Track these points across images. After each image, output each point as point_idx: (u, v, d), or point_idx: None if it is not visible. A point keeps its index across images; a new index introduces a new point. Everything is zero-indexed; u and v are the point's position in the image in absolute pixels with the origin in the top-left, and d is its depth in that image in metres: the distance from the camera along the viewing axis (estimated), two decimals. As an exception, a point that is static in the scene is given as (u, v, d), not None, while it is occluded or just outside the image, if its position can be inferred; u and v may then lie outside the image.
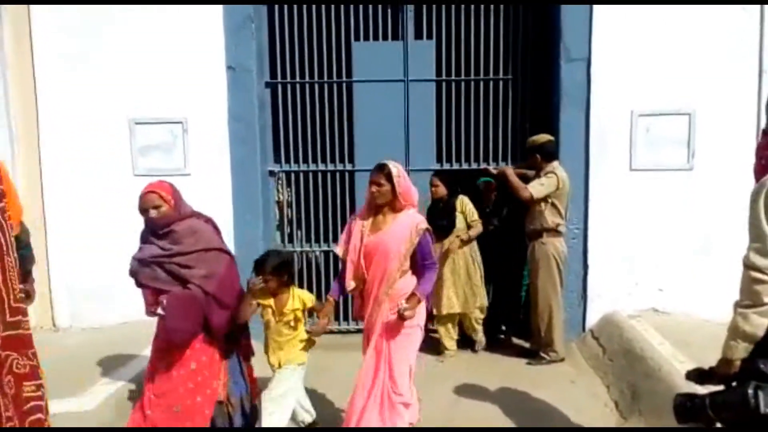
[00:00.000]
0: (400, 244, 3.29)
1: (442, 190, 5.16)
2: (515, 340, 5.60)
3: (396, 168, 3.32)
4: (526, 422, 3.98)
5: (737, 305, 2.30)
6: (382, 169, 3.34)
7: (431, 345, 5.28)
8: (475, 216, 5.17)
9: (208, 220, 3.31)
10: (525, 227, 5.05)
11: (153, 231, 3.13)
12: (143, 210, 3.10)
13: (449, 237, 5.13)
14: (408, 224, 3.32)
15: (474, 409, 4.19)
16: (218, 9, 5.34)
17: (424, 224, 3.34)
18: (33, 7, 5.38)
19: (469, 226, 5.17)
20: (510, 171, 4.97)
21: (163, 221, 3.07)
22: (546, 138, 4.96)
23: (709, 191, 5.20)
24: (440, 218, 5.06)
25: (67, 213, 5.47)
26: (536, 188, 4.78)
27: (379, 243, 3.34)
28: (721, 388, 2.42)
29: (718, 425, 2.36)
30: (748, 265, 2.26)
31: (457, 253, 5.16)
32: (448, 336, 5.32)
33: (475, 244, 5.27)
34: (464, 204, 5.18)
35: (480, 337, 5.40)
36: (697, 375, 2.57)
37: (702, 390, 2.49)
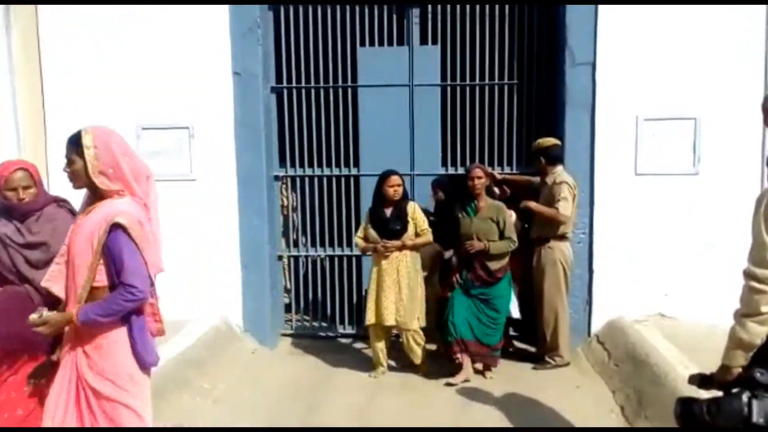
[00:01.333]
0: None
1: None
2: (520, 345, 5.58)
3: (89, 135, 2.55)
4: (531, 427, 3.97)
5: (736, 314, 2.33)
6: None
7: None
8: (425, 225, 4.84)
9: (65, 204, 2.93)
10: (531, 233, 5.05)
11: (10, 213, 2.78)
12: (10, 189, 2.74)
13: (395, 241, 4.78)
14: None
15: (479, 414, 4.19)
16: (224, 15, 5.37)
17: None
18: (41, 14, 5.43)
19: (417, 234, 4.83)
20: (533, 204, 4.92)
21: (32, 206, 2.79)
22: (552, 142, 4.97)
23: (715, 196, 5.18)
24: (393, 222, 4.80)
25: (74, 218, 5.49)
26: (564, 207, 4.77)
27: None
28: (720, 394, 2.43)
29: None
30: (748, 274, 2.29)
31: (401, 263, 4.77)
32: (381, 351, 4.95)
33: (418, 258, 4.91)
34: (415, 210, 4.86)
35: (419, 357, 4.90)
36: (700, 380, 2.60)
37: (705, 395, 2.51)
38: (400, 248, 4.77)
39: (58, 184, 5.48)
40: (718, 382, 2.45)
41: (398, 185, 4.80)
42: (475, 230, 4.72)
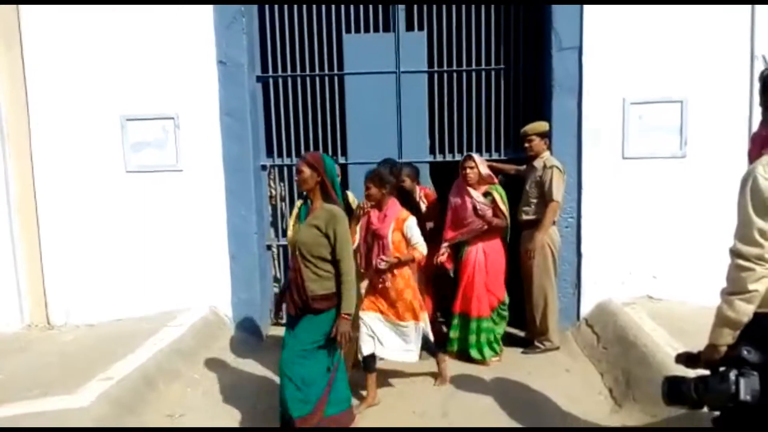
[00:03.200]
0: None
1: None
2: (510, 329, 5.60)
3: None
4: (521, 411, 3.99)
5: (723, 292, 2.35)
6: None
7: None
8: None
9: None
10: (518, 217, 5.05)
11: None
12: None
13: None
14: None
15: (469, 400, 4.21)
16: (209, 4, 5.32)
17: None
18: (23, 7, 5.35)
19: None
20: (546, 226, 4.87)
21: None
22: (546, 125, 5.04)
23: (702, 178, 5.20)
24: None
25: (59, 210, 5.46)
26: (557, 194, 4.81)
27: None
28: (707, 372, 2.46)
29: (705, 410, 2.42)
30: (734, 252, 2.30)
31: None
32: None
33: None
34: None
35: None
36: (686, 359, 2.62)
37: (692, 374, 2.53)
38: None
39: (43, 173, 5.47)
40: (706, 360, 2.47)
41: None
42: (299, 241, 3.47)
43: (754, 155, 2.45)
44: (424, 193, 5.27)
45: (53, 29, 5.37)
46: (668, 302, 5.20)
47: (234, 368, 4.82)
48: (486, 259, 4.94)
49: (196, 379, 4.48)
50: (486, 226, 4.86)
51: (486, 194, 4.90)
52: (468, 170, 4.87)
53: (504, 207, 4.91)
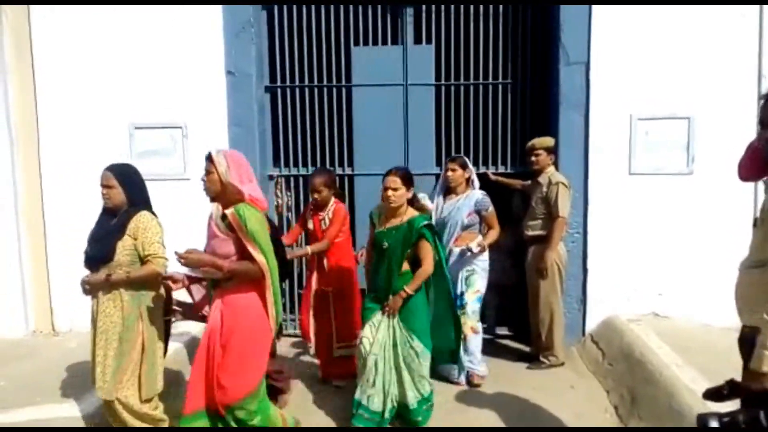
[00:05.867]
0: None
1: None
2: (515, 344, 5.58)
3: None
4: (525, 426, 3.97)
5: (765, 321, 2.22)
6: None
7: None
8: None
9: None
10: (524, 232, 5.04)
11: None
12: None
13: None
14: None
15: (473, 414, 4.19)
16: (218, 14, 5.36)
17: None
18: (33, 12, 5.40)
19: None
20: (554, 247, 4.81)
21: None
22: (552, 140, 5.02)
23: (709, 196, 5.19)
24: None
25: (66, 217, 5.47)
26: (563, 210, 4.76)
27: None
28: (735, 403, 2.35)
29: None
30: None
31: None
32: None
33: None
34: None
35: None
36: (714, 394, 2.50)
37: (720, 408, 2.41)
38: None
39: (50, 180, 5.49)
40: (746, 390, 2.36)
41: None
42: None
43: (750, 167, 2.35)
44: (334, 208, 4.59)
45: (63, 37, 5.41)
46: (674, 319, 5.18)
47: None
48: (222, 325, 3.13)
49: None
50: (219, 274, 3.07)
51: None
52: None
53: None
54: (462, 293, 4.66)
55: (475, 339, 4.71)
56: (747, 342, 2.41)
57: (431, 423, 4.01)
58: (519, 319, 5.62)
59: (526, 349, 5.37)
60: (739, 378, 2.49)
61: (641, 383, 4.11)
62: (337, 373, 4.71)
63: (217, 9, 5.36)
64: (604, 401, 4.36)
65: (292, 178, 5.89)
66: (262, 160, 5.60)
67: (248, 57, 5.42)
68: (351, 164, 5.80)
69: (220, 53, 5.40)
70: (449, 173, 4.75)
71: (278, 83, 5.75)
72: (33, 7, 5.40)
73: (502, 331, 5.87)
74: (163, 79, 5.40)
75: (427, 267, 3.84)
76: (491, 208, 4.69)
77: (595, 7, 5.17)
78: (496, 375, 4.87)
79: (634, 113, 5.23)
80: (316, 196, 4.49)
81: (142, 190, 3.50)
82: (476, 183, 4.80)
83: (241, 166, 3.16)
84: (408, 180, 3.86)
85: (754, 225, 2.48)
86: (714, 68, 5.16)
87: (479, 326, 4.77)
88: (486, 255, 4.70)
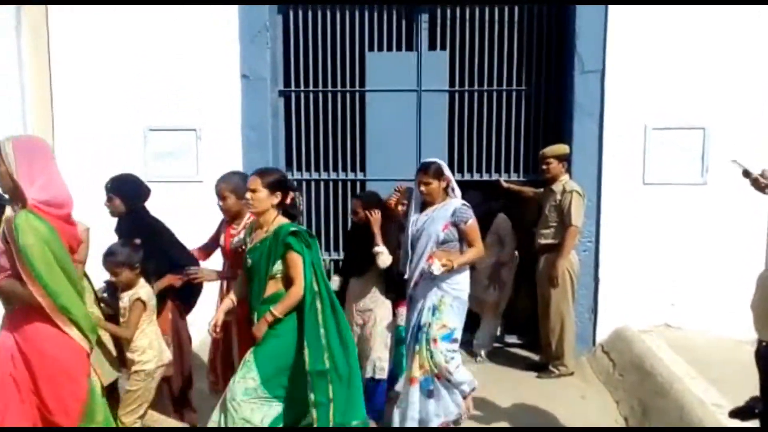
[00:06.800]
0: None
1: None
2: (525, 353, 5.55)
3: None
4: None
5: None
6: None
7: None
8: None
9: None
10: (536, 241, 5.02)
11: None
12: None
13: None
14: None
15: (482, 422, 4.16)
16: (234, 18, 5.39)
17: None
18: (51, 16, 5.47)
19: None
20: (560, 265, 4.78)
21: None
22: (566, 148, 4.98)
23: (723, 206, 5.14)
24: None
25: (80, 218, 5.49)
26: (576, 218, 4.73)
27: None
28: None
29: None
30: None
31: None
32: None
33: None
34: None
35: None
36: (739, 413, 2.49)
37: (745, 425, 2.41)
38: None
39: (66, 181, 5.52)
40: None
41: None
42: None
43: None
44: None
45: (80, 41, 5.46)
46: (686, 331, 5.14)
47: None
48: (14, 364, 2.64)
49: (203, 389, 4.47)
50: None
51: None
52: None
53: None
54: (425, 325, 3.74)
55: (439, 389, 3.73)
56: (763, 357, 2.39)
57: None
58: (529, 327, 5.60)
59: (536, 358, 5.34)
60: (752, 391, 2.47)
61: (652, 395, 4.07)
62: None
63: (233, 13, 5.39)
64: (615, 412, 4.33)
65: (304, 183, 5.90)
66: (275, 164, 5.60)
67: (263, 61, 5.45)
68: (363, 169, 5.80)
69: (235, 57, 5.42)
70: (422, 188, 3.82)
71: (292, 87, 5.77)
72: (51, 9, 5.46)
73: (512, 339, 5.85)
74: (178, 82, 5.44)
75: (296, 288, 3.04)
76: (471, 221, 3.78)
77: (611, 15, 5.16)
78: (505, 384, 4.84)
79: (649, 122, 5.20)
80: (220, 203, 3.76)
81: None
82: (457, 191, 3.91)
83: (33, 159, 2.59)
84: (272, 185, 3.14)
85: None
86: (729, 78, 5.13)
87: (449, 371, 3.69)
88: (461, 280, 3.81)
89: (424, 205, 3.90)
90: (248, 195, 3.13)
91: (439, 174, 3.82)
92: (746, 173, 2.81)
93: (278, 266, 3.09)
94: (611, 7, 5.15)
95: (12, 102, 5.37)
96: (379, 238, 3.96)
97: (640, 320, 5.24)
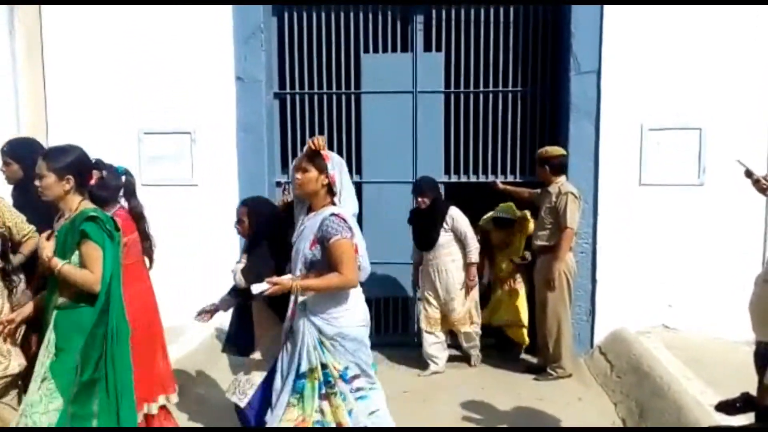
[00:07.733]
0: None
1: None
2: (522, 356, 5.53)
3: None
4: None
5: None
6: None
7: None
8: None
9: None
10: (533, 242, 5.00)
11: None
12: None
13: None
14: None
15: (480, 425, 4.14)
16: (228, 19, 5.37)
17: None
18: (45, 17, 5.45)
19: None
20: (556, 267, 4.75)
21: None
22: (559, 152, 4.90)
23: (720, 207, 5.13)
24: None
25: None
26: (571, 220, 4.70)
27: None
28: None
29: None
30: None
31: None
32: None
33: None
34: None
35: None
36: (727, 406, 2.47)
37: (732, 421, 2.40)
38: None
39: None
40: (759, 404, 2.33)
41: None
42: None
43: None
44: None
45: (73, 44, 5.44)
46: (684, 332, 5.12)
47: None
48: None
49: (201, 395, 4.45)
50: None
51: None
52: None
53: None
54: (318, 368, 2.84)
55: None
56: (762, 357, 2.37)
57: None
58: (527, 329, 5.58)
59: (534, 360, 5.31)
60: (752, 392, 2.46)
61: (650, 396, 4.05)
62: None
63: (227, 15, 5.37)
64: (612, 414, 4.30)
65: (300, 185, 5.87)
66: (270, 167, 5.59)
67: (258, 63, 5.43)
68: (359, 171, 5.78)
69: (229, 59, 5.41)
70: (297, 175, 2.91)
71: (287, 90, 5.75)
72: (45, 11, 5.45)
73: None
74: (172, 84, 5.42)
75: (93, 276, 2.59)
76: (337, 238, 2.76)
77: (607, 16, 5.15)
78: (502, 386, 4.83)
79: (645, 123, 5.19)
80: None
81: None
82: (342, 194, 2.95)
83: None
84: (60, 169, 2.61)
85: None
86: (726, 79, 5.12)
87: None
88: (351, 319, 2.89)
89: (310, 209, 3.00)
90: (36, 182, 2.65)
91: (320, 165, 2.90)
92: (748, 173, 2.82)
93: (75, 258, 2.62)
94: (607, 8, 5.14)
95: (6, 105, 5.35)
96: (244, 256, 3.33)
97: (637, 322, 5.23)
